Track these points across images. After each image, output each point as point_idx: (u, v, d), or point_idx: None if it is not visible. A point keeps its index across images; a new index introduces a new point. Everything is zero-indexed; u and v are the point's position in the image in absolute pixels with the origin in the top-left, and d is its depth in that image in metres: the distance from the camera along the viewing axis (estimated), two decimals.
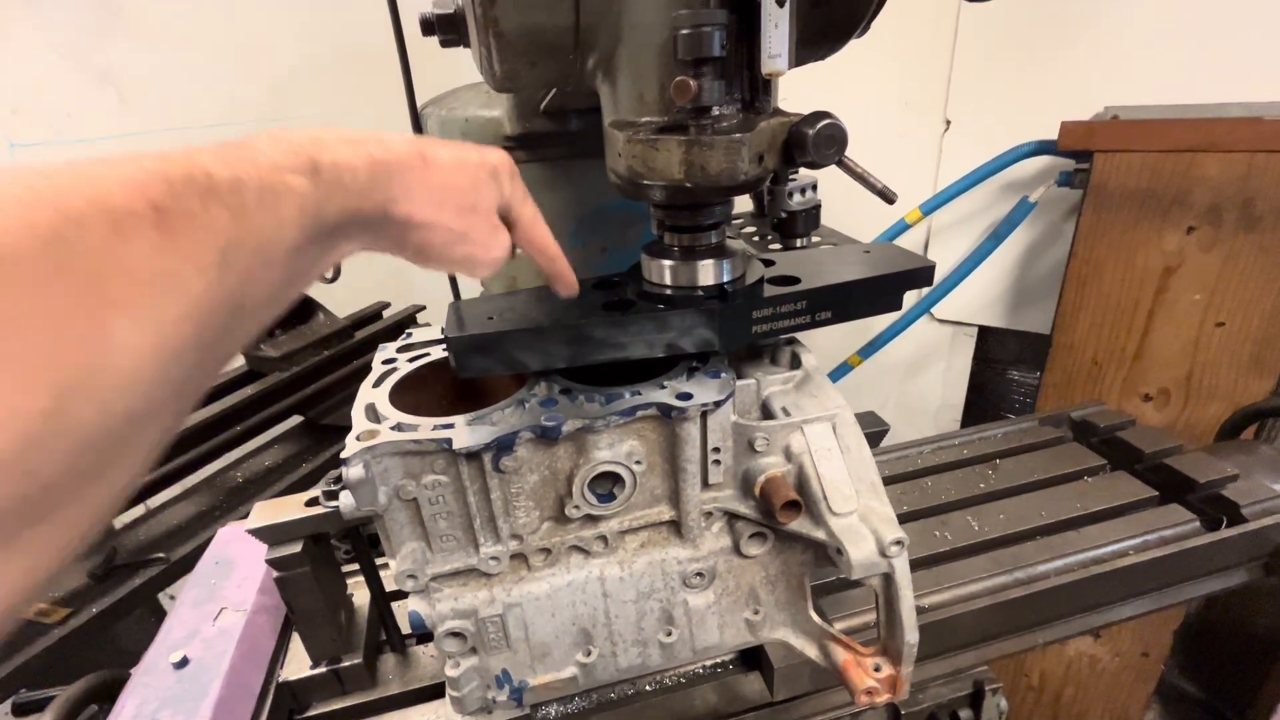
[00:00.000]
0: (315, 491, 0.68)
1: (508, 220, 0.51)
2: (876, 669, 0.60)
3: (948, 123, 1.75)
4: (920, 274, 0.64)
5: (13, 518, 0.23)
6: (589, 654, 0.64)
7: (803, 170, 1.46)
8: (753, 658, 0.77)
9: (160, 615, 1.08)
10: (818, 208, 1.40)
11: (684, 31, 0.46)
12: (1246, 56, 1.39)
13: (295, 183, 0.34)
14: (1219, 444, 1.12)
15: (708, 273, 0.62)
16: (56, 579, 0.27)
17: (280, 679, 0.71)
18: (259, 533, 0.65)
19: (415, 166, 0.42)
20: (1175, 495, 0.94)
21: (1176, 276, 1.41)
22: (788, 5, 0.47)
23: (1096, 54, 1.52)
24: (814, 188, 1.38)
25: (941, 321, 1.98)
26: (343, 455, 0.53)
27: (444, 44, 0.65)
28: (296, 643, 0.74)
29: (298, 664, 0.72)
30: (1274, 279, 1.32)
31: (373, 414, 0.59)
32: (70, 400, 0.24)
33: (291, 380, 1.51)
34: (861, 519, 0.57)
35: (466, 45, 0.62)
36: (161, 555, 1.24)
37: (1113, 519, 0.91)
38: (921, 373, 2.09)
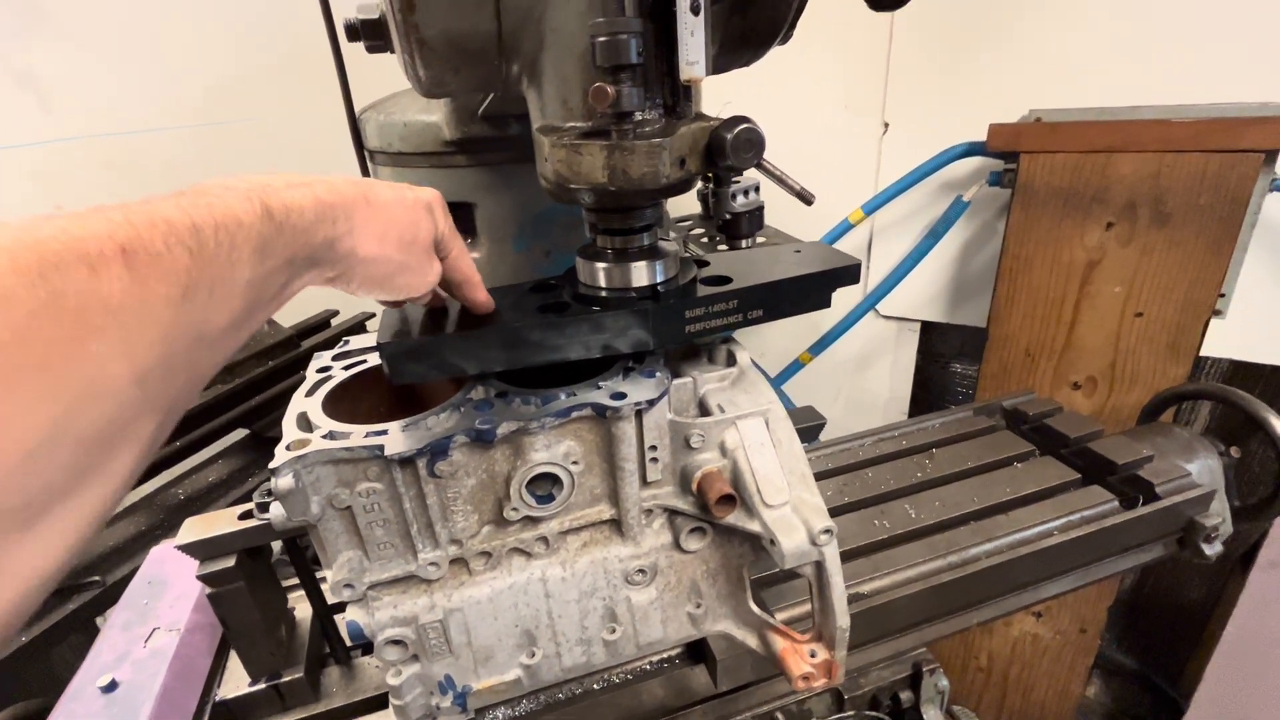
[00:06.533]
0: (249, 505, 0.66)
1: (439, 251, 0.56)
2: (812, 655, 0.61)
3: (886, 125, 1.81)
4: (846, 272, 0.66)
5: (28, 510, 0.28)
6: (533, 655, 0.64)
7: (747, 173, 1.50)
8: (698, 651, 0.78)
9: None
10: (761, 209, 1.43)
11: (601, 39, 0.47)
12: (1157, 62, 1.48)
13: (248, 222, 0.38)
14: (1138, 428, 1.18)
15: (640, 274, 0.63)
16: (71, 565, 0.32)
17: (217, 698, 0.69)
18: (189, 548, 0.63)
19: (359, 206, 0.47)
20: (1096, 477, 1.00)
21: (1098, 270, 1.49)
22: (703, 14, 0.48)
23: (1021, 59, 1.60)
24: (757, 189, 1.41)
25: (886, 318, 2.04)
26: (271, 466, 0.52)
27: (370, 49, 0.64)
28: (235, 660, 0.72)
29: (236, 682, 0.71)
30: (1185, 270, 1.40)
31: (305, 423, 0.58)
32: (66, 413, 0.29)
33: (235, 392, 1.46)
34: (793, 510, 0.59)
35: (392, 51, 0.62)
36: (97, 579, 1.19)
37: (1039, 501, 0.95)
38: (869, 368, 2.15)
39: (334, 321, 1.76)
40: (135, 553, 1.26)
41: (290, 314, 1.71)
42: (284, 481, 0.52)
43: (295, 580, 0.82)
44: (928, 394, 2.16)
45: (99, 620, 1.22)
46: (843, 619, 0.60)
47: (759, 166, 0.54)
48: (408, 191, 0.52)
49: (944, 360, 2.11)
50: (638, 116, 0.51)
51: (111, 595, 1.19)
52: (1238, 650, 1.55)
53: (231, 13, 1.63)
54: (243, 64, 1.68)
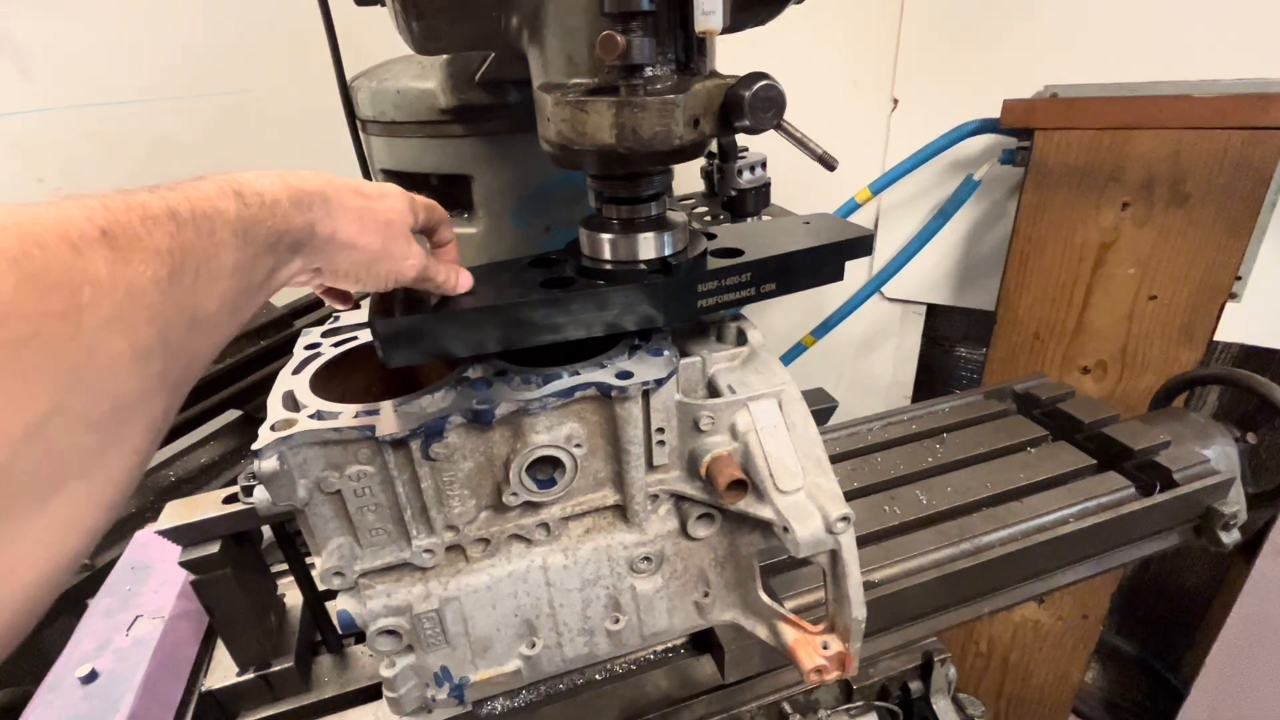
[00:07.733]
0: (234, 488, 0.63)
1: (435, 240, 0.58)
2: (825, 647, 0.59)
3: (895, 102, 1.76)
4: (859, 243, 0.63)
5: (38, 488, 0.29)
6: (533, 646, 0.62)
7: (752, 148, 1.45)
8: (704, 641, 0.76)
9: None
10: (767, 185, 1.39)
11: None
12: (1178, 36, 1.43)
13: (224, 207, 0.38)
14: (1152, 413, 1.16)
15: (649, 246, 0.59)
16: (91, 549, 0.33)
17: (203, 688, 0.66)
18: (171, 534, 0.60)
19: (330, 193, 0.47)
20: (1113, 463, 0.97)
21: (1112, 252, 1.45)
22: None
23: (1036, 33, 1.55)
24: (763, 165, 1.37)
25: (891, 300, 2.01)
26: (254, 447, 0.49)
27: (359, 2, 0.60)
28: (222, 649, 0.70)
29: (223, 671, 0.68)
30: (1202, 253, 1.37)
31: (291, 402, 0.55)
32: (68, 388, 0.29)
33: (226, 372, 1.43)
34: (808, 496, 0.56)
35: (383, 4, 0.57)
36: (87, 561, 1.16)
37: (1054, 488, 0.93)
38: (873, 351, 2.12)
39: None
40: (125, 535, 1.23)
41: (282, 293, 1.67)
42: (268, 464, 0.49)
43: (285, 566, 0.79)
44: (931, 378, 2.13)
45: (90, 603, 1.19)
46: (859, 610, 0.57)
47: (778, 128, 0.50)
48: (372, 185, 0.53)
49: (949, 344, 2.08)
50: (648, 72, 0.47)
51: (101, 578, 1.16)
52: (1241, 637, 1.54)
53: None
54: (230, 33, 1.62)
